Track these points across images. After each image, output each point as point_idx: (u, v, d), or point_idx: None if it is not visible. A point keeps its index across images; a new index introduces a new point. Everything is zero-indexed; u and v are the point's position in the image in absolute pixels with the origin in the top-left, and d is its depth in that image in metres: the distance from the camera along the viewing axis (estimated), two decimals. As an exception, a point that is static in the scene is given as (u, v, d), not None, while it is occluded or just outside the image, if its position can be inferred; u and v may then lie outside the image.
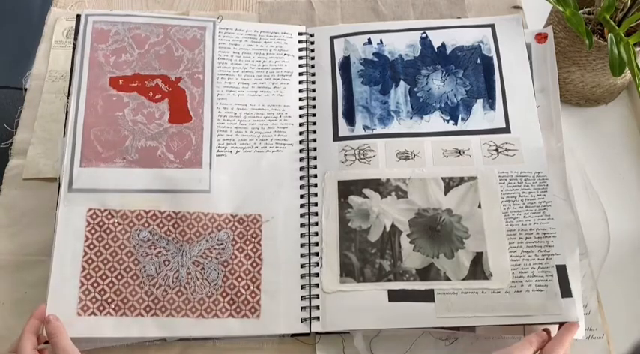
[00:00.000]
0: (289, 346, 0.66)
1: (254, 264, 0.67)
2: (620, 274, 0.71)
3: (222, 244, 0.67)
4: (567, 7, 0.72)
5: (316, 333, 0.65)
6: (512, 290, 0.64)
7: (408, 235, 0.67)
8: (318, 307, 0.65)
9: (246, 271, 0.66)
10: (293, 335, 0.66)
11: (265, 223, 0.69)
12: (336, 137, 0.73)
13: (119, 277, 0.65)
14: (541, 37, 0.78)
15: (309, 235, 0.68)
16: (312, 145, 0.73)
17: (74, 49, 0.72)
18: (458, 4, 0.90)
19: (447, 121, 0.73)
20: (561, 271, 0.64)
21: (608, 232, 0.73)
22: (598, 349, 0.66)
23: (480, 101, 0.73)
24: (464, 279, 0.65)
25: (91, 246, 0.65)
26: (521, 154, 0.70)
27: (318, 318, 0.64)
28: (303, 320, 0.65)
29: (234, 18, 0.84)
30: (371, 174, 0.70)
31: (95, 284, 0.64)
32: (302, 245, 0.68)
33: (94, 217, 0.66)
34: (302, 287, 0.66)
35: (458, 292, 0.64)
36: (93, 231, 0.66)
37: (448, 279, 0.65)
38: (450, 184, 0.69)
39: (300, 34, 0.79)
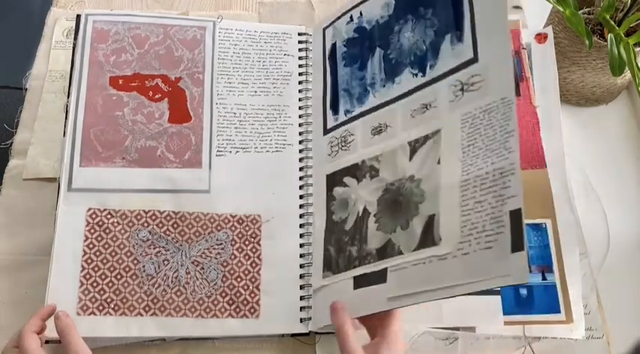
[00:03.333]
0: (289, 346, 0.66)
1: (253, 264, 0.67)
2: (620, 274, 0.71)
3: (221, 244, 0.67)
4: (567, 7, 0.72)
5: (315, 333, 0.65)
6: (459, 253, 0.55)
7: (374, 216, 0.63)
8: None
9: (246, 272, 0.66)
10: (293, 335, 0.66)
11: (265, 224, 0.68)
12: (325, 130, 0.71)
13: (118, 276, 0.65)
14: (541, 37, 0.78)
15: (308, 235, 0.68)
16: (309, 144, 0.72)
17: (74, 48, 0.73)
18: (458, 4, 0.90)
19: (416, 74, 0.65)
20: (515, 217, 0.53)
21: (608, 232, 0.73)
22: (598, 349, 0.66)
23: (448, 37, 0.64)
24: (414, 250, 0.58)
25: (91, 245, 0.65)
26: (487, 84, 0.59)
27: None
28: (302, 320, 0.65)
29: (234, 18, 0.84)
30: (350, 160, 0.67)
31: (94, 284, 0.64)
32: (302, 245, 0.68)
33: (94, 216, 0.66)
34: (301, 287, 0.66)
35: (408, 266, 0.58)
36: (92, 230, 0.66)
37: (401, 253, 0.59)
38: (415, 146, 0.62)
39: (300, 34, 0.79)
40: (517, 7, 0.90)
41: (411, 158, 0.62)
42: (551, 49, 0.77)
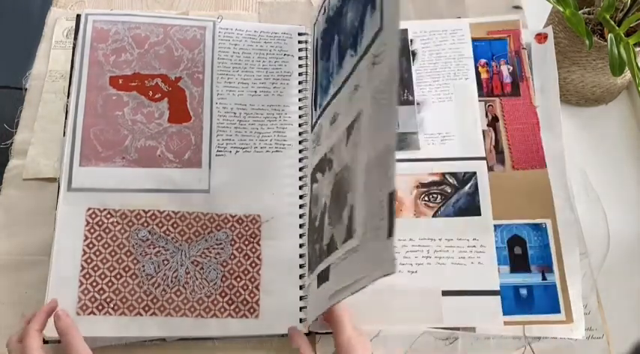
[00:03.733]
0: (289, 346, 0.66)
1: (253, 264, 0.67)
2: (620, 274, 0.71)
3: (221, 244, 0.67)
4: (567, 7, 0.72)
5: (315, 333, 0.65)
6: (361, 246, 0.50)
7: (328, 210, 0.59)
8: None
9: (245, 272, 0.66)
10: (292, 335, 0.66)
11: (265, 224, 0.68)
12: (312, 128, 0.70)
13: (118, 276, 0.65)
14: (541, 37, 0.78)
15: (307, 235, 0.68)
16: (308, 144, 0.72)
17: (74, 48, 0.73)
18: (458, 4, 0.90)
19: (353, 54, 0.58)
20: (391, 199, 0.46)
21: (608, 232, 0.73)
22: (598, 349, 0.66)
23: (369, 8, 0.56)
24: (342, 243, 0.53)
25: (90, 245, 0.65)
26: (386, 53, 0.51)
27: None
28: (302, 320, 0.65)
29: (234, 18, 0.84)
30: (319, 154, 0.65)
31: (94, 283, 0.64)
32: (301, 245, 0.68)
33: (93, 216, 0.66)
34: (301, 287, 0.66)
35: (339, 262, 0.54)
36: (92, 230, 0.66)
37: (337, 248, 0.54)
38: (349, 132, 0.56)
39: (300, 34, 0.79)
40: (517, 7, 0.90)
41: (346, 145, 0.57)
42: (551, 49, 0.77)
